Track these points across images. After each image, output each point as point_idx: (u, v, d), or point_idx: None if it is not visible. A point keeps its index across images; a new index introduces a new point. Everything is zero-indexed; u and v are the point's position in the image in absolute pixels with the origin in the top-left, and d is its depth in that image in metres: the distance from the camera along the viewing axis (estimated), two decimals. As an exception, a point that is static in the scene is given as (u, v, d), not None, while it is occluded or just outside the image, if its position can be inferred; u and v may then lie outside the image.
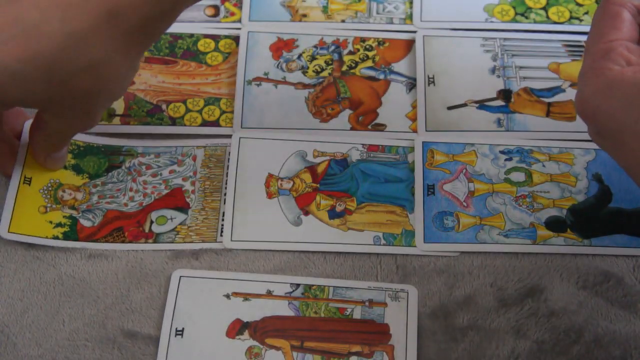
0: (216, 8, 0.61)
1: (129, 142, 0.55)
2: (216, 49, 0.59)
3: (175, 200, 0.53)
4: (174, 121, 0.56)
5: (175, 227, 0.52)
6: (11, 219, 0.52)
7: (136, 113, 0.56)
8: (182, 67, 0.58)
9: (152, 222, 0.53)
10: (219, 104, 0.57)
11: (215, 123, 0.56)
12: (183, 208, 0.53)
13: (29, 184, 0.53)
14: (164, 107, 0.57)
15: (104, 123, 0.56)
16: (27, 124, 0.54)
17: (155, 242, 0.52)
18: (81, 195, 0.53)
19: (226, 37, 0.60)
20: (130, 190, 0.54)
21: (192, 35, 0.60)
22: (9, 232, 0.51)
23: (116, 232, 0.52)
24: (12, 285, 0.50)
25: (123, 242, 0.52)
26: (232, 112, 0.56)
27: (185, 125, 0.56)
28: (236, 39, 0.60)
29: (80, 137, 0.55)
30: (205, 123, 0.56)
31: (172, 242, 0.52)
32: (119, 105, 0.56)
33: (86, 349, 0.48)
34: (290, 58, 0.59)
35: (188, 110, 0.57)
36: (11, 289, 0.50)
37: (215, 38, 0.60)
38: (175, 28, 0.60)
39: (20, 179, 0.53)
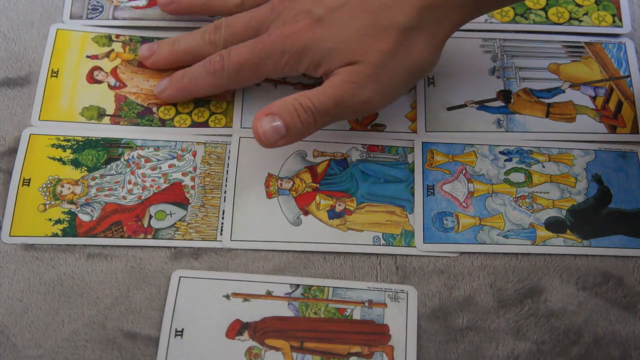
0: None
1: (128, 134, 0.55)
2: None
3: (175, 195, 0.53)
4: (163, 122, 0.56)
5: (175, 224, 0.52)
6: (12, 222, 0.52)
7: (126, 114, 0.56)
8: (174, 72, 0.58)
9: (151, 216, 0.53)
10: (208, 106, 0.57)
11: (205, 124, 0.56)
12: (182, 204, 0.53)
13: (28, 185, 0.53)
14: (154, 109, 0.57)
15: (94, 122, 0.56)
16: (26, 132, 0.55)
17: (154, 237, 0.52)
18: (79, 189, 0.53)
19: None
20: (129, 182, 0.54)
21: (189, 36, 0.59)
22: (10, 236, 0.51)
23: (115, 227, 0.52)
24: (12, 286, 0.50)
25: (122, 237, 0.52)
26: (221, 113, 0.56)
27: (174, 126, 0.56)
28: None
29: (79, 132, 0.55)
30: (194, 124, 0.56)
31: (172, 239, 0.52)
32: (109, 106, 0.56)
33: (86, 350, 0.48)
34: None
35: (178, 112, 0.56)
36: (10, 289, 0.50)
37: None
38: (171, 30, 0.59)
39: (19, 181, 0.53)
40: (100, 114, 0.56)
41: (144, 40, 0.59)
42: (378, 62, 0.48)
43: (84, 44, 0.58)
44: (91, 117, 0.56)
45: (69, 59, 0.58)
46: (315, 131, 0.50)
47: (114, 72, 0.58)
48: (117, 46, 0.59)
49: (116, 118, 0.56)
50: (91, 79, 0.57)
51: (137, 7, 0.60)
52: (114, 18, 0.60)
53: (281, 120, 0.48)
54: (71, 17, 0.60)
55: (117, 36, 0.59)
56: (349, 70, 0.48)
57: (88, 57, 0.58)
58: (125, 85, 0.57)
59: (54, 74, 0.57)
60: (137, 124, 0.56)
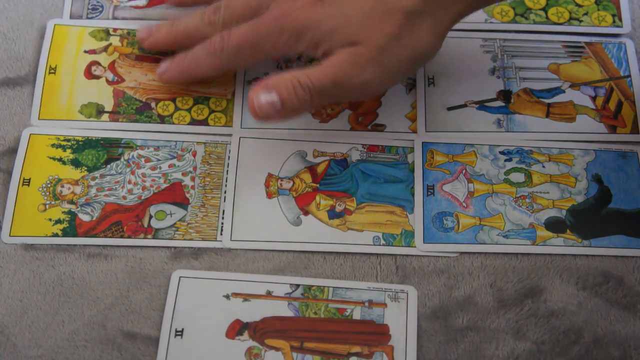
0: (215, 7, 0.61)
1: (128, 134, 0.55)
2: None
3: (175, 195, 0.53)
4: (162, 119, 0.56)
5: (175, 224, 0.52)
6: (12, 222, 0.52)
7: (125, 110, 0.56)
8: None
9: (151, 216, 0.52)
10: (207, 103, 0.57)
11: (204, 122, 0.56)
12: (182, 203, 0.53)
13: (28, 185, 0.53)
14: (152, 104, 0.56)
15: (93, 120, 0.56)
16: (26, 131, 0.55)
17: (154, 237, 0.52)
18: (79, 189, 0.53)
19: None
20: (129, 182, 0.54)
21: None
22: (10, 236, 0.51)
23: (115, 227, 0.52)
24: (12, 286, 0.50)
25: (122, 237, 0.52)
26: (221, 111, 0.56)
27: (174, 123, 0.56)
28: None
29: (79, 132, 0.55)
30: (193, 122, 0.56)
31: (172, 239, 0.52)
32: (107, 102, 0.56)
33: (86, 350, 0.48)
34: (290, 58, 0.58)
35: (177, 109, 0.56)
36: (11, 289, 0.50)
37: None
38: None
39: (19, 181, 0.53)
40: (99, 111, 0.56)
41: None
42: (381, 44, 0.48)
43: (81, 39, 0.58)
44: (90, 115, 0.56)
45: (66, 55, 0.58)
46: (310, 110, 0.50)
47: (111, 66, 0.58)
48: (114, 40, 0.59)
49: (115, 115, 0.56)
50: (89, 74, 0.57)
51: (137, 7, 0.60)
52: (114, 18, 0.60)
53: (277, 95, 0.48)
54: (71, 17, 0.59)
55: (115, 30, 0.59)
56: (350, 51, 0.48)
57: (86, 52, 0.58)
58: (123, 80, 0.57)
59: (52, 71, 0.57)
60: (136, 121, 0.56)
